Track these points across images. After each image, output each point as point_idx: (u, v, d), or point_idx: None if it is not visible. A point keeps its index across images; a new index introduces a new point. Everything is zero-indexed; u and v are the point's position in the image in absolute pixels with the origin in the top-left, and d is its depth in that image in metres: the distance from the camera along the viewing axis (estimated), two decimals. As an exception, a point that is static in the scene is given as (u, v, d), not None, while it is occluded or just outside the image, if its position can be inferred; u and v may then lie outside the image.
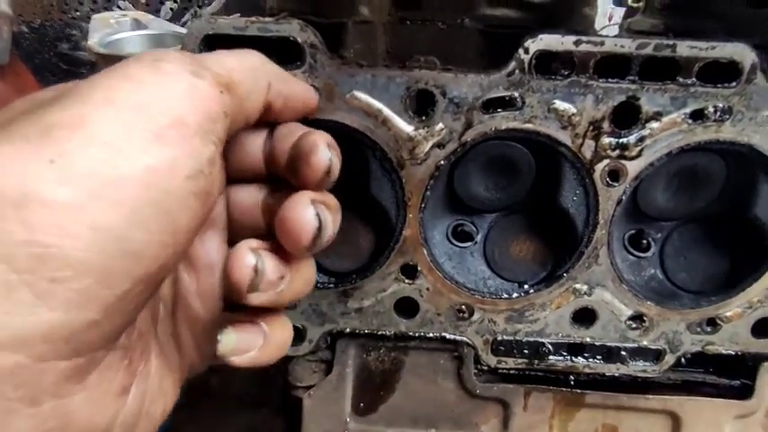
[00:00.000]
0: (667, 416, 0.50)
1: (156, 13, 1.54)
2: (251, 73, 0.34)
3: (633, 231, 0.50)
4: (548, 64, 0.41)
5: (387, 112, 0.42)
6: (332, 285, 0.48)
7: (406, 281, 0.47)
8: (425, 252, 0.46)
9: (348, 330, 0.50)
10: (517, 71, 0.41)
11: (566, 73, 0.41)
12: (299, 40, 0.40)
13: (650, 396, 0.50)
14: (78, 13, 1.52)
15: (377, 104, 0.42)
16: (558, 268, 0.47)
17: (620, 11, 0.53)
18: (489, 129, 0.43)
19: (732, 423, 0.50)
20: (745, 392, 0.50)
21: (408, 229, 0.46)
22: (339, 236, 0.50)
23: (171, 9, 1.53)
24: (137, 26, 0.54)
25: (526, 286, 0.48)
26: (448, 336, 0.49)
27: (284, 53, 0.41)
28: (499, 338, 0.49)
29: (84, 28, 1.59)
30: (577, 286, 0.47)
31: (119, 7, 1.49)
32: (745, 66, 0.40)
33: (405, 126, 0.42)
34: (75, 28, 1.56)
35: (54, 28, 1.55)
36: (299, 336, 0.50)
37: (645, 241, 0.49)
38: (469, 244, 0.49)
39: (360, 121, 0.43)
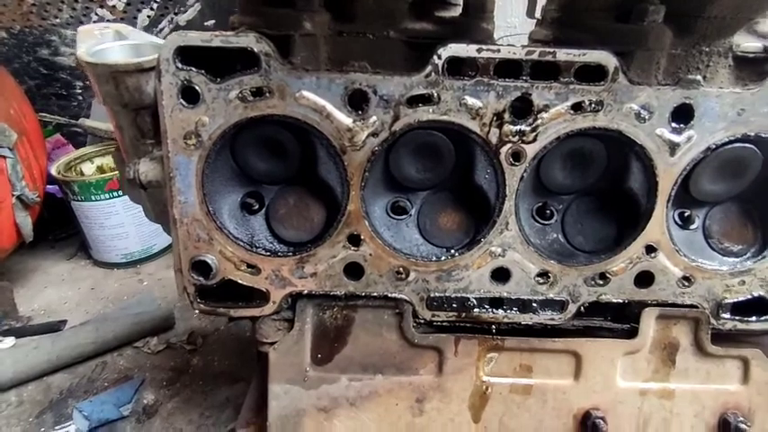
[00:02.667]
0: (571, 355, 0.61)
1: (134, 20, 1.60)
2: None
3: (540, 204, 0.60)
4: (458, 68, 0.51)
5: (329, 107, 0.52)
6: (290, 254, 0.57)
7: (352, 248, 0.57)
8: (367, 223, 0.56)
9: (306, 292, 0.59)
10: (433, 73, 0.51)
11: (472, 74, 0.51)
12: (256, 50, 0.50)
13: (557, 339, 0.60)
14: (57, 20, 1.57)
15: (321, 102, 0.51)
16: (478, 235, 0.58)
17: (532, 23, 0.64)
18: (413, 120, 0.52)
19: (623, 358, 0.61)
20: (632, 334, 0.61)
21: (352, 205, 0.55)
22: (296, 211, 0.60)
23: (148, 17, 1.60)
24: (118, 37, 0.62)
25: (452, 251, 0.58)
26: (389, 294, 0.59)
27: (244, 60, 0.51)
28: (432, 295, 0.59)
29: (63, 34, 1.64)
30: (493, 249, 0.57)
31: (96, 14, 1.55)
32: (609, 68, 0.51)
33: (345, 119, 0.52)
34: (55, 34, 1.61)
35: (33, 34, 1.60)
36: (265, 298, 0.59)
37: (548, 211, 0.60)
38: (405, 217, 0.59)
39: (308, 115, 0.52)
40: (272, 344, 0.60)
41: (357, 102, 0.52)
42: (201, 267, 0.57)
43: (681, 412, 0.61)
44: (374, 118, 0.52)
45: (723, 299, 0.60)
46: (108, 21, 1.54)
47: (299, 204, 0.58)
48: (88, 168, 1.60)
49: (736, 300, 0.60)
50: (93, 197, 1.44)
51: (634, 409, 0.61)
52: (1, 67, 1.39)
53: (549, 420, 0.61)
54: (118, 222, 1.49)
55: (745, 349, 0.61)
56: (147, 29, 1.55)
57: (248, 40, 0.49)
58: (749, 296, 0.60)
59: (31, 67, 1.68)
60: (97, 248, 1.57)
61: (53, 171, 1.46)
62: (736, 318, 0.61)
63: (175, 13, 1.55)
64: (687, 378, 0.62)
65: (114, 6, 1.56)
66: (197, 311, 0.59)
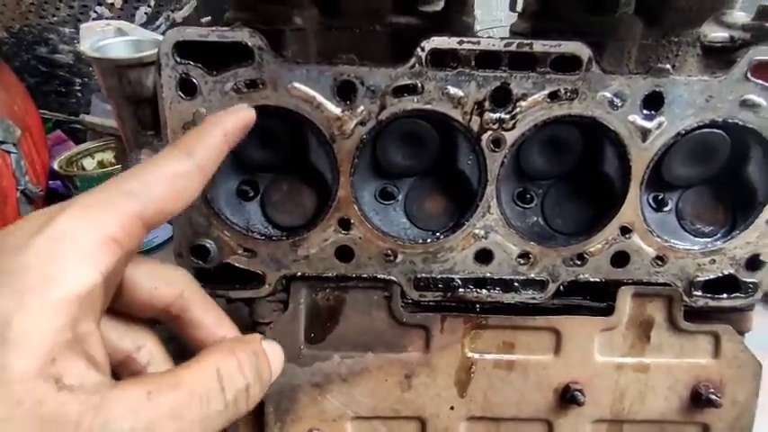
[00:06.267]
0: (551, 332, 0.64)
1: (132, 17, 1.63)
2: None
3: (521, 189, 0.63)
4: (441, 59, 0.55)
5: (319, 98, 0.55)
6: (284, 238, 0.61)
7: (343, 232, 0.60)
8: (356, 208, 0.59)
9: (299, 274, 0.62)
10: (417, 65, 0.54)
11: (454, 65, 0.54)
12: (249, 44, 0.53)
13: (538, 317, 0.63)
14: (56, 18, 1.60)
15: (311, 92, 0.55)
16: (462, 218, 0.61)
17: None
18: (399, 109, 0.56)
19: (600, 335, 0.64)
20: (609, 311, 0.64)
21: (342, 191, 0.59)
22: (289, 198, 0.63)
23: (145, 13, 1.63)
24: (120, 33, 0.65)
25: (438, 234, 0.62)
26: (378, 276, 0.62)
27: (239, 54, 0.54)
28: (419, 276, 0.62)
29: (61, 32, 1.67)
30: (476, 232, 0.61)
31: (95, 12, 1.58)
32: (583, 58, 0.54)
33: (334, 109, 0.55)
34: (53, 32, 1.64)
35: (32, 32, 1.63)
36: (261, 280, 0.62)
37: (529, 195, 0.63)
38: (392, 202, 0.62)
39: (300, 105, 0.55)
40: (269, 324, 0.64)
41: (345, 92, 0.55)
42: (200, 251, 0.60)
43: (655, 385, 0.65)
44: (362, 107, 0.55)
45: (695, 277, 0.63)
46: (106, 18, 1.56)
47: (292, 191, 0.61)
48: (89, 163, 1.63)
49: (707, 278, 0.63)
50: (94, 191, 1.47)
51: (611, 383, 0.65)
52: (4, 64, 1.42)
53: (530, 394, 0.65)
54: (119, 216, 1.52)
55: (716, 325, 0.64)
56: (145, 25, 1.58)
57: (242, 35, 0.52)
58: (720, 274, 0.63)
59: (30, 65, 1.71)
60: (99, 242, 1.59)
61: (55, 166, 1.49)
62: (708, 295, 0.64)
63: (172, 11, 1.58)
64: (661, 353, 0.65)
65: (112, 4, 1.58)
66: (197, 294, 0.63)
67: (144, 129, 0.62)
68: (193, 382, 0.33)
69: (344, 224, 0.60)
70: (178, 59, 0.53)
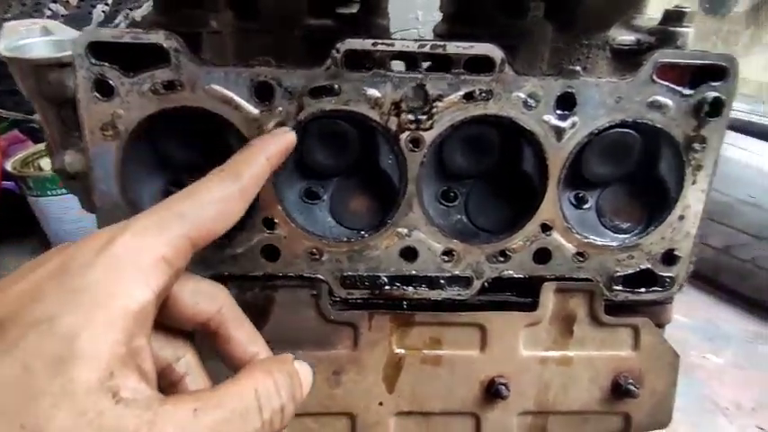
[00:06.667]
0: (477, 327, 0.65)
1: (89, 15, 1.61)
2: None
3: (444, 188, 0.65)
4: (357, 61, 0.55)
5: (237, 99, 0.55)
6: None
7: (267, 231, 0.61)
8: (280, 208, 0.60)
9: (227, 274, 0.63)
10: (333, 66, 0.55)
11: (369, 67, 0.55)
12: (165, 45, 0.53)
13: (463, 313, 0.65)
14: (8, 15, 1.56)
15: (229, 94, 0.55)
16: (385, 217, 0.62)
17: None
18: (317, 110, 0.56)
19: (525, 330, 0.66)
20: (534, 307, 0.66)
21: (264, 191, 0.59)
22: None
23: (103, 11, 1.60)
24: (45, 33, 0.64)
25: (363, 232, 0.63)
26: (305, 274, 0.63)
27: (157, 56, 0.54)
28: (345, 274, 0.63)
29: (18, 29, 1.64)
30: (399, 230, 0.62)
31: (50, 9, 1.55)
32: (496, 60, 0.56)
33: (252, 109, 0.56)
34: (7, 30, 1.60)
35: (-15, 30, 1.59)
36: (188, 280, 0.63)
37: (452, 194, 0.64)
38: (318, 201, 0.63)
39: (218, 106, 0.55)
40: (197, 323, 0.64)
41: (263, 94, 0.56)
42: (124, 252, 0.60)
43: (578, 377, 0.67)
44: (280, 108, 0.56)
45: (615, 272, 0.65)
46: (62, 15, 1.54)
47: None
48: (46, 163, 1.60)
49: (626, 273, 0.65)
50: (49, 192, 1.45)
51: (535, 376, 0.67)
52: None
53: (457, 388, 0.66)
54: (76, 217, 1.50)
55: (635, 318, 0.67)
56: (103, 24, 1.56)
57: (157, 37, 0.53)
58: (638, 269, 0.65)
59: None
60: (57, 243, 1.57)
61: (8, 167, 1.46)
62: (628, 290, 0.66)
63: (130, 9, 1.56)
64: (584, 346, 0.67)
65: (68, 1, 1.56)
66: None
67: (68, 129, 0.62)
68: (234, 401, 0.35)
69: (269, 224, 0.60)
70: (93, 61, 0.53)
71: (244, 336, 0.44)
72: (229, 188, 0.42)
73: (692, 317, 1.38)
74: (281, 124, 0.57)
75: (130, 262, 0.33)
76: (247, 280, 0.64)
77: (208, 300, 0.42)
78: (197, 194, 0.41)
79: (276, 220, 0.60)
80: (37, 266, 0.33)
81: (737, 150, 1.47)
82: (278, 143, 0.49)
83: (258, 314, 0.65)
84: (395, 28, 0.72)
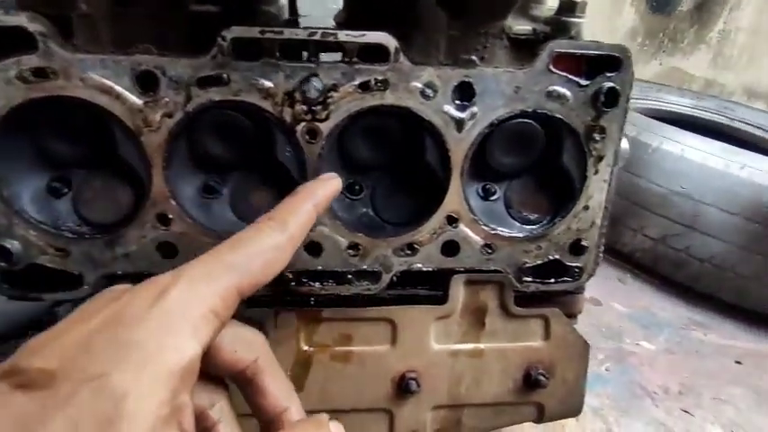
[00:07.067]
0: (387, 322, 0.64)
1: None
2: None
3: (350, 181, 0.63)
4: (246, 49, 0.53)
5: (118, 89, 0.52)
6: (99, 236, 0.58)
7: (162, 228, 0.58)
8: (174, 203, 0.57)
9: (121, 273, 0.60)
10: (219, 55, 0.53)
11: (258, 56, 0.53)
12: (30, 29, 0.49)
13: (372, 308, 0.64)
14: None
15: (109, 83, 0.52)
16: (287, 211, 0.60)
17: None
18: (206, 100, 0.54)
19: (436, 323, 0.66)
20: (445, 300, 0.65)
21: (156, 185, 0.56)
22: (103, 194, 0.60)
23: None
24: None
25: (265, 227, 0.61)
26: (206, 272, 0.61)
27: (23, 40, 0.50)
28: (249, 271, 0.61)
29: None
30: (302, 224, 0.60)
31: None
32: (390, 49, 0.54)
33: (135, 100, 0.53)
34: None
35: None
36: (78, 281, 0.59)
37: (357, 187, 0.63)
38: (217, 196, 0.61)
39: (98, 96, 0.52)
40: (90, 326, 0.61)
41: (147, 83, 0.53)
42: (2, 253, 0.56)
43: (489, 369, 0.67)
44: (166, 99, 0.53)
45: (524, 263, 0.65)
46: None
47: (105, 186, 0.58)
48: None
49: (535, 264, 0.66)
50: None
51: (447, 370, 0.66)
52: None
53: (368, 384, 0.65)
54: None
55: (545, 309, 0.67)
56: None
57: (20, 19, 0.49)
58: (546, 260, 0.66)
59: None
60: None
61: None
62: (538, 280, 0.67)
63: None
64: (495, 338, 0.67)
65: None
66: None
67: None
68: None
69: (163, 220, 0.58)
70: (-49, 46, 0.49)
71: (278, 389, 0.43)
72: (277, 238, 0.42)
73: (630, 306, 1.42)
74: (167, 115, 0.54)
75: (181, 315, 0.34)
76: (145, 278, 0.61)
77: (246, 347, 0.41)
78: (246, 245, 0.41)
79: (171, 216, 0.57)
80: (91, 315, 0.34)
81: (672, 144, 1.52)
82: (324, 190, 0.49)
83: (158, 315, 0.63)
84: (316, 16, 0.70)
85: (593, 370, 0.89)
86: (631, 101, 0.59)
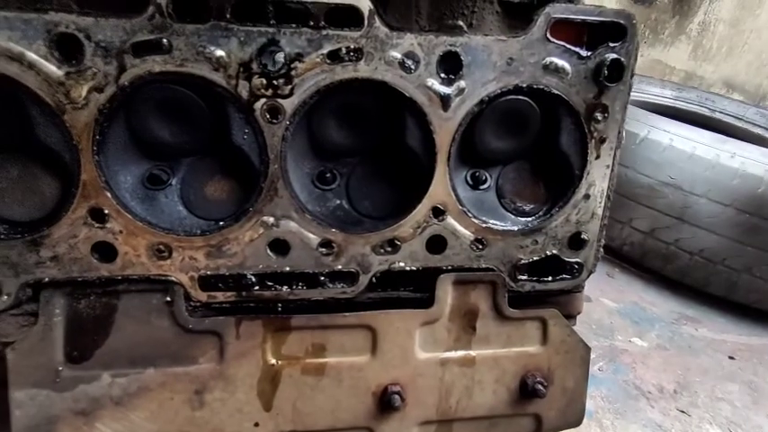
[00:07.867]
0: (366, 330, 0.57)
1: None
2: None
3: (321, 168, 0.55)
4: (190, 10, 0.45)
5: (31, 56, 0.43)
6: (18, 236, 0.48)
7: (96, 225, 0.49)
8: (110, 195, 0.48)
9: (47, 279, 0.50)
10: (157, 15, 0.44)
11: (205, 18, 0.45)
12: None
13: (347, 314, 0.56)
14: None
15: (17, 48, 0.43)
16: (246, 203, 0.52)
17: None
18: (144, 72, 0.45)
19: (421, 329, 0.58)
20: (431, 302, 0.58)
21: (86, 174, 0.47)
22: (21, 185, 0.50)
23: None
24: None
25: (221, 223, 0.52)
26: (152, 275, 0.52)
27: None
28: (204, 274, 0.53)
29: None
30: (265, 219, 0.52)
31: None
32: (364, 11, 0.46)
33: (54, 70, 0.44)
34: None
35: None
36: (-4, 290, 0.50)
37: (329, 175, 0.55)
38: (163, 186, 0.52)
39: (4, 64, 0.43)
40: (12, 344, 0.51)
41: (68, 49, 0.44)
42: None
43: (482, 379, 0.60)
44: (93, 69, 0.44)
45: (518, 260, 0.58)
46: None
47: (23, 176, 0.49)
48: None
49: (531, 260, 0.59)
50: None
51: (435, 380, 0.59)
52: None
53: (346, 400, 0.57)
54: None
55: (542, 310, 0.60)
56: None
57: None
58: (543, 255, 0.59)
59: None
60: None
61: None
62: (534, 279, 0.60)
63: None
64: (488, 344, 0.60)
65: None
66: None
67: None
68: None
69: (97, 215, 0.49)
70: None
71: None
72: None
73: (620, 301, 1.38)
74: (96, 90, 0.45)
75: None
76: (79, 286, 0.52)
77: None
78: None
79: (106, 211, 0.48)
80: None
81: (660, 133, 1.48)
82: None
83: (96, 327, 0.53)
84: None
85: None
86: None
